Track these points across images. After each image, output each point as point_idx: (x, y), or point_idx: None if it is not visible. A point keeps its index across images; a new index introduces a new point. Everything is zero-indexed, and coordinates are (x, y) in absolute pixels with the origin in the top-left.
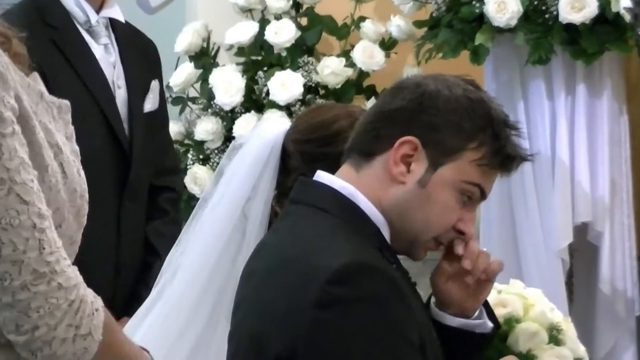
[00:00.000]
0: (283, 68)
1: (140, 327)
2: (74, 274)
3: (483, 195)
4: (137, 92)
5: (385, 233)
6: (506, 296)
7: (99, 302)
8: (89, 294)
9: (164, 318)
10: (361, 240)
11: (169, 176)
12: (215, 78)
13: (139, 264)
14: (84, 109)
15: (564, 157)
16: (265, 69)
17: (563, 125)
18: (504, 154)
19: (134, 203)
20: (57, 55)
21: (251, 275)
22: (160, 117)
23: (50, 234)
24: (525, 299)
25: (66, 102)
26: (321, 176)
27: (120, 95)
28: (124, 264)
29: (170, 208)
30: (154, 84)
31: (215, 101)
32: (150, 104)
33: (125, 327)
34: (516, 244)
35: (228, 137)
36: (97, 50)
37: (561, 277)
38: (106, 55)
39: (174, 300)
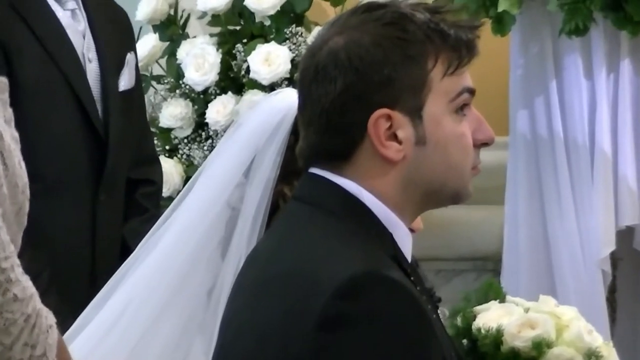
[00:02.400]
0: (267, 40)
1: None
2: (29, 284)
3: (472, 91)
4: (111, 67)
5: (400, 237)
6: (535, 315)
7: (52, 317)
8: (43, 308)
9: (117, 337)
10: (374, 248)
11: (146, 167)
12: (185, 52)
13: (117, 270)
14: (51, 86)
15: (605, 148)
16: (245, 41)
17: (604, 109)
18: (461, 42)
19: (112, 197)
20: (18, 22)
21: (243, 288)
22: (137, 96)
23: (4, 235)
24: (559, 318)
25: (4, 80)
26: (320, 170)
27: (92, 70)
28: (100, 270)
29: (149, 204)
30: (130, 57)
31: (184, 80)
32: (125, 80)
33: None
34: (548, 251)
35: (200, 124)
36: (63, 16)
37: (601, 292)
38: (74, 22)
39: (129, 315)
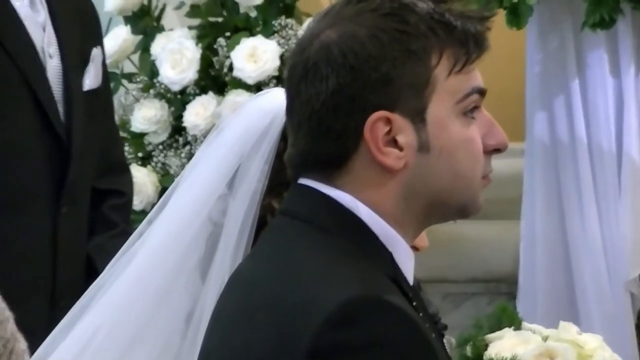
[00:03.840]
0: (252, 34)
1: None
2: (3, 304)
3: (483, 92)
4: (74, 63)
5: (401, 256)
6: (555, 344)
7: (24, 341)
8: (17, 330)
9: None
10: (371, 268)
11: (114, 176)
12: (160, 47)
13: (81, 292)
14: (6, 85)
15: (634, 154)
16: (227, 34)
17: (633, 111)
18: (468, 35)
19: (75, 209)
20: None
21: (224, 314)
22: (103, 96)
23: None
24: (581, 348)
25: None
26: (310, 181)
27: (53, 66)
28: (62, 291)
29: (118, 218)
30: (96, 53)
31: (159, 79)
32: (91, 78)
33: None
34: (569, 271)
35: (177, 128)
36: (21, 6)
37: (630, 318)
38: (33, 13)
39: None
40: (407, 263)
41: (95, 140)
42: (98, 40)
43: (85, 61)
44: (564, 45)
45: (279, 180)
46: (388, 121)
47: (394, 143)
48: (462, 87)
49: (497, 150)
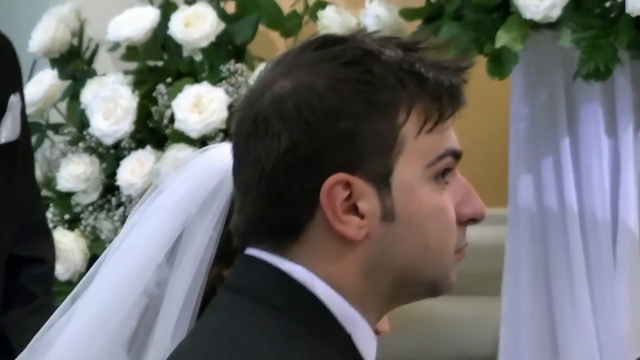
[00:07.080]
0: (197, 80)
1: None
2: None
3: (458, 155)
4: None
5: (362, 340)
6: None
7: None
8: None
9: None
10: (327, 354)
11: (34, 240)
12: (91, 94)
13: None
14: None
15: (631, 225)
16: (169, 80)
17: (630, 175)
18: (442, 89)
19: None
20: None
21: None
22: (22, 150)
23: None
24: None
25: None
26: (260, 252)
27: None
28: None
29: (38, 289)
30: (14, 100)
31: (90, 130)
32: (8, 130)
33: None
34: (557, 357)
35: (109, 187)
36: None
37: None
38: None
39: None
40: (368, 347)
41: (12, 199)
42: (17, 87)
43: (1, 110)
44: (554, 98)
45: (231, 247)
46: (348, 185)
47: (354, 210)
48: (434, 149)
49: (473, 220)
